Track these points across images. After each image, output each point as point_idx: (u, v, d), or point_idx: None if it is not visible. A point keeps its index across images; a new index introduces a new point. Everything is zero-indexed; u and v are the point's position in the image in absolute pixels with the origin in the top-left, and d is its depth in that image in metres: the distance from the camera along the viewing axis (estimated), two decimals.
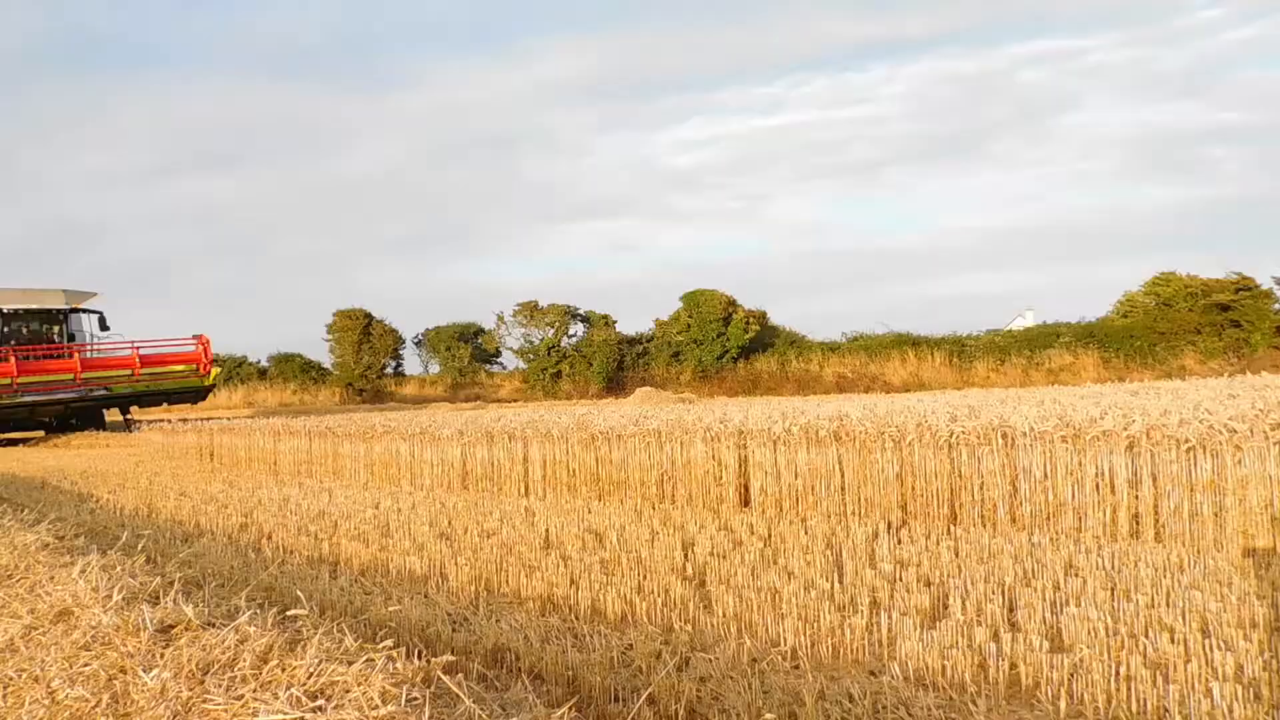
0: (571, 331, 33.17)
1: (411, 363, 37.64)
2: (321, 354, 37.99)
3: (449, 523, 6.35)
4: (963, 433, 5.43)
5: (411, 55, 69.87)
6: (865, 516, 5.71)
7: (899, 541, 4.97)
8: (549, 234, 68.46)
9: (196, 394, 21.70)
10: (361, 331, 35.49)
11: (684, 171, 65.77)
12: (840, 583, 4.08)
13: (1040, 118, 58.68)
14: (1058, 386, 17.52)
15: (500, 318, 34.04)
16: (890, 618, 3.44)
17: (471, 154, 69.22)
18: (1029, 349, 26.61)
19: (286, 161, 69.50)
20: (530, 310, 33.08)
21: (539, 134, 69.93)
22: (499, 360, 35.94)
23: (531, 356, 33.02)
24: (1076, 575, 4.03)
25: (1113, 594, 3.71)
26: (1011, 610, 3.60)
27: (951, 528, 5.28)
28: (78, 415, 21.60)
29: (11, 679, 2.39)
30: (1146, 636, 3.14)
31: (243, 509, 7.57)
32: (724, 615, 3.73)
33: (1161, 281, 27.06)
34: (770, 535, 5.34)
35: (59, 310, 21.69)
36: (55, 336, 21.73)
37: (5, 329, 21.12)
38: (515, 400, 30.41)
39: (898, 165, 62.10)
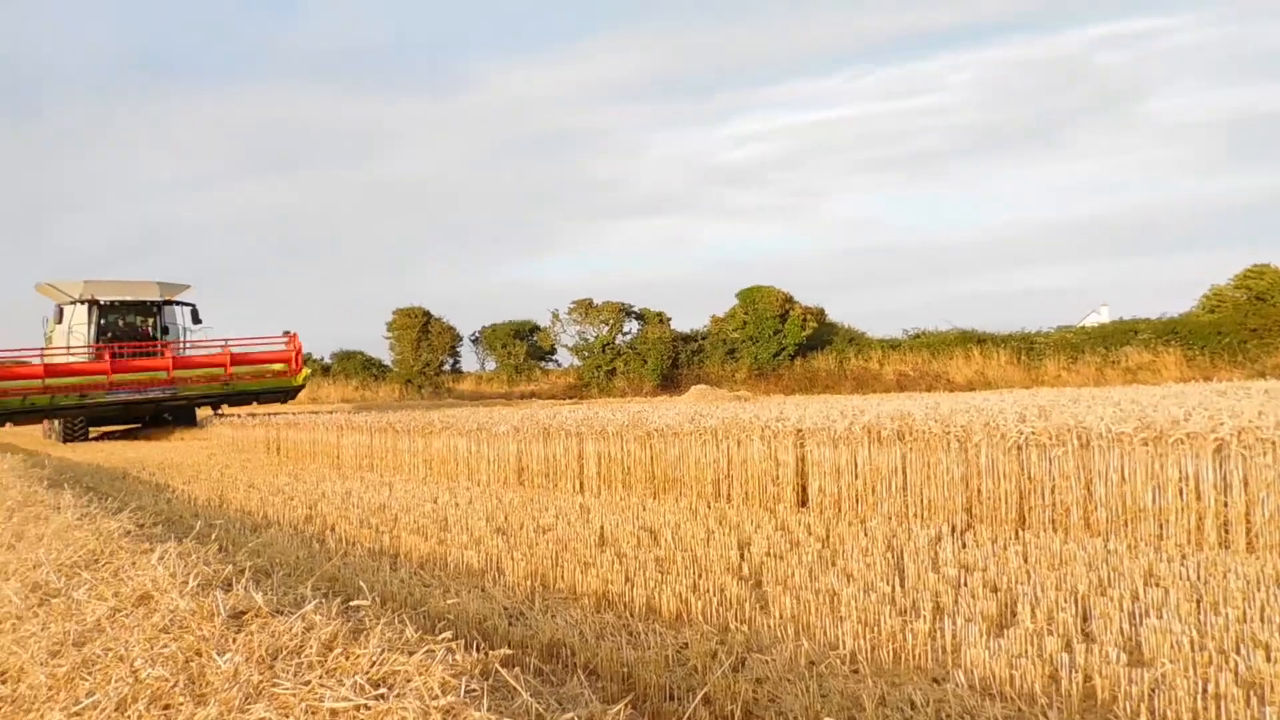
0: (626, 329, 33.24)
1: (468, 360, 38.26)
2: (382, 351, 38.82)
3: (505, 518, 6.43)
4: (1033, 433, 5.31)
5: (466, 57, 70.92)
6: (928, 519, 5.63)
7: (964, 545, 4.88)
8: (604, 231, 68.85)
9: (287, 394, 21.62)
10: (420, 329, 36.08)
11: (739, 167, 65.57)
12: (902, 586, 4.03)
13: (1118, 103, 56.85)
14: (1136, 386, 16.99)
15: (555, 315, 34.30)
16: (954, 624, 3.39)
17: (526, 153, 69.98)
18: (1104, 346, 25.75)
19: (346, 164, 71.14)
20: (585, 308, 33.24)
21: (593, 132, 70.34)
22: (554, 357, 36.20)
23: (586, 354, 33.19)
24: (1157, 585, 3.90)
25: (1198, 606, 3.56)
26: (1085, 620, 3.51)
27: (1020, 532, 5.17)
28: (171, 412, 21.91)
29: (99, 657, 2.50)
30: (1238, 653, 3.00)
31: (307, 501, 7.77)
32: (781, 616, 3.70)
33: (1255, 274, 25.61)
34: (829, 536, 5.29)
35: (153, 302, 21.94)
36: (150, 329, 22.00)
37: (102, 321, 21.35)
38: (570, 397, 30.61)
39: (962, 157, 60.94)
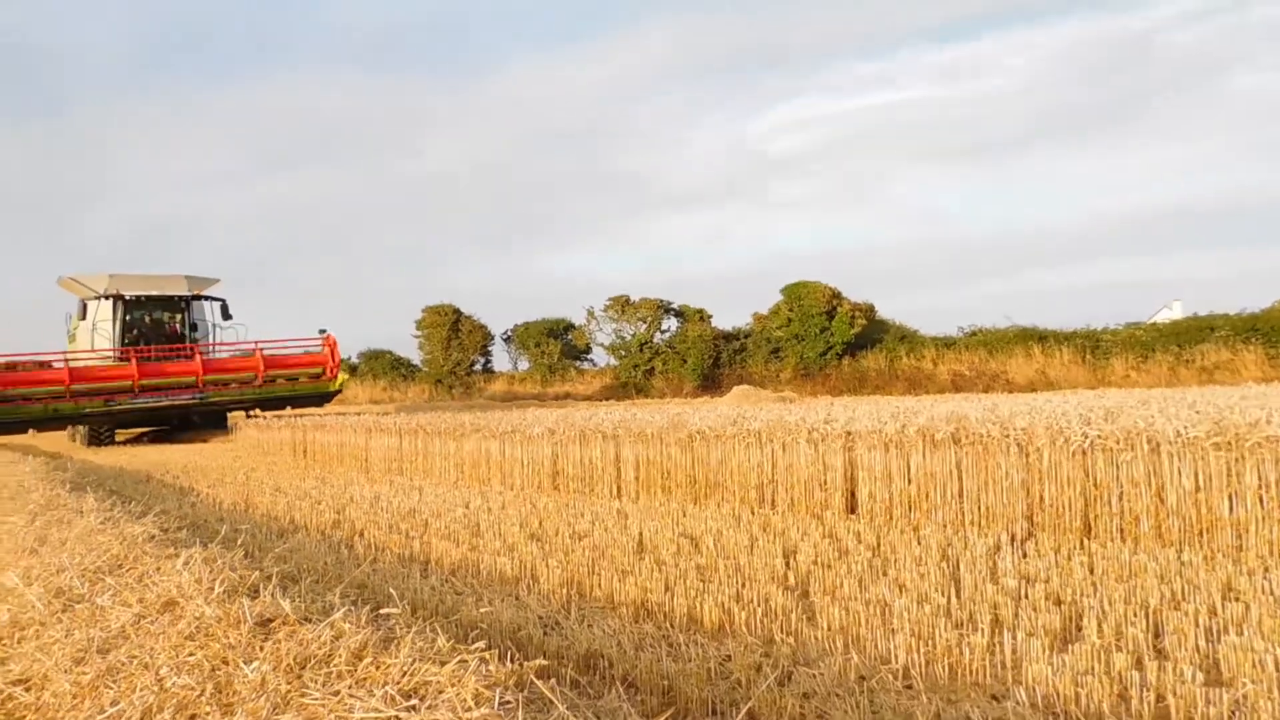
0: (665, 327, 33.26)
1: (500, 359, 38.54)
2: (411, 350, 39.25)
3: (540, 524, 6.46)
4: (1099, 437, 5.21)
5: (497, 44, 71.49)
6: (986, 527, 5.56)
7: (1024, 555, 4.82)
8: (641, 225, 68.93)
9: (322, 399, 21.50)
10: (450, 328, 36.42)
11: (785, 156, 65.23)
12: (958, 598, 3.98)
13: (1195, 84, 55.47)
14: (1212, 387, 16.57)
15: (590, 313, 34.42)
16: (1014, 638, 3.34)
17: (560, 144, 70.29)
18: (1177, 344, 25.14)
19: (372, 157, 72.05)
20: (621, 305, 33.31)
21: (630, 121, 70.48)
22: (589, 357, 36.34)
23: (623, 353, 33.25)
24: (1237, 600, 3.81)
25: None
26: (1157, 636, 3.44)
27: (1085, 541, 5.08)
28: (201, 416, 21.59)
29: (124, 664, 2.56)
30: None
31: (335, 505, 7.88)
32: (829, 628, 3.69)
33: None
34: (879, 544, 5.26)
35: (181, 298, 21.68)
36: (178, 326, 21.70)
37: (127, 317, 21.10)
38: (606, 398, 30.68)
39: (1023, 143, 60.02)
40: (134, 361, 19.14)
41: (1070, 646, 3.29)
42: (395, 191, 72.51)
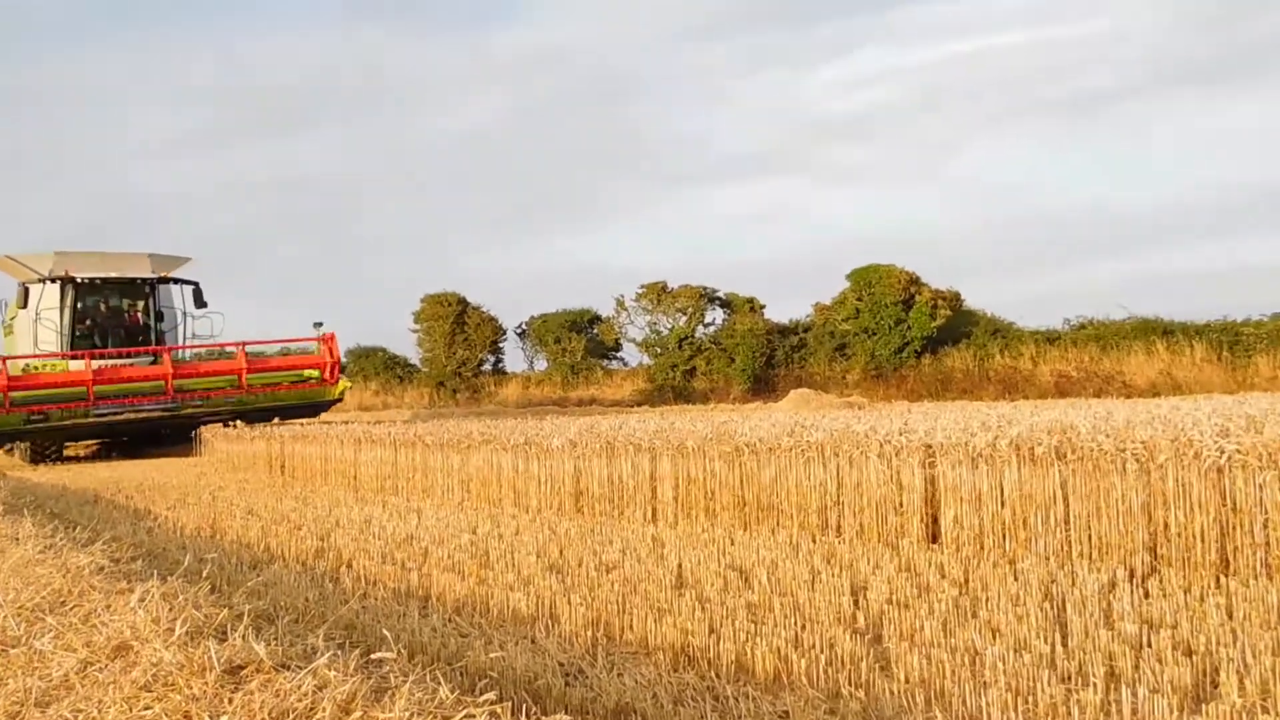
0: (708, 319, 33.26)
1: (514, 357, 38.66)
2: (408, 347, 39.58)
3: (560, 553, 6.48)
4: (1238, 451, 5.12)
5: None
6: (1098, 560, 5.49)
7: (1146, 595, 4.75)
8: (679, 200, 68.79)
9: (317, 408, 20.85)
10: (454, 320, 36.68)
11: (850, 117, 64.71)
12: (1064, 645, 3.94)
13: None
14: None
15: (620, 303, 34.50)
16: (1135, 694, 3.29)
17: (585, 105, 70.36)
18: None
19: (367, 121, 72.52)
20: (657, 293, 33.35)
21: (666, 78, 70.38)
22: (619, 354, 36.43)
23: (659, 350, 33.29)
24: None
25: None
26: None
27: (1221, 579, 5.00)
28: (171, 430, 20.62)
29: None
30: None
31: (318, 531, 7.95)
32: (906, 680, 3.67)
33: None
34: (967, 580, 5.22)
35: (145, 281, 21.07)
36: (140, 315, 21.11)
37: (80, 305, 20.48)
38: (639, 404, 30.73)
39: (1139, 97, 58.98)
40: (88, 364, 18.73)
41: (1204, 706, 3.23)
42: (392, 162, 73.14)
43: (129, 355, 20.04)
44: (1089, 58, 58.18)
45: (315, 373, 20.89)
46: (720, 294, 33.36)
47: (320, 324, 20.91)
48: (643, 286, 33.69)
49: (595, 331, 36.35)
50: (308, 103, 73.01)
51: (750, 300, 32.93)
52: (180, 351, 20.77)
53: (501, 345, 37.94)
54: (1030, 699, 3.36)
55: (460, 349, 36.77)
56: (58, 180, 70.80)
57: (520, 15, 71.70)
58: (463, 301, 37.19)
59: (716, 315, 33.34)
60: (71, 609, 3.73)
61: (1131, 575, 5.15)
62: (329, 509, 9.51)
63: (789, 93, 67.21)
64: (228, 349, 20.79)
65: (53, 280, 20.25)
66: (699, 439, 7.73)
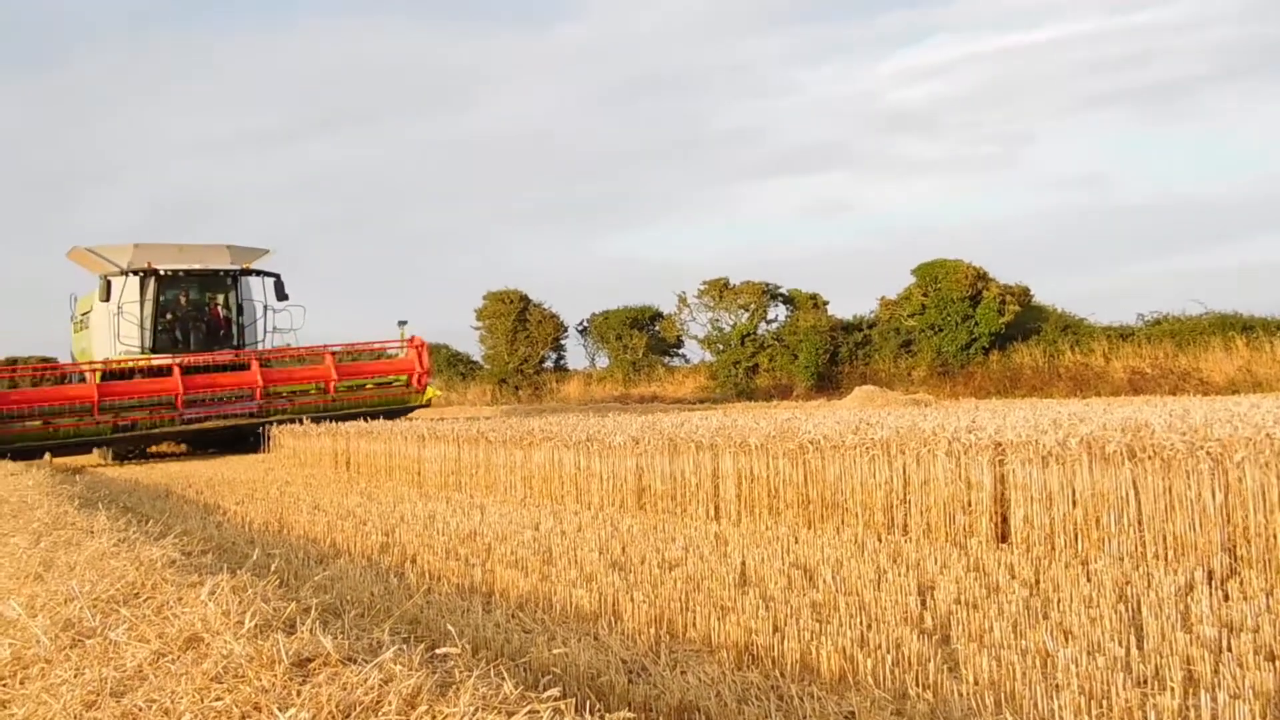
0: (771, 315, 33.06)
1: (575, 354, 38.81)
2: (470, 344, 39.92)
3: (622, 550, 6.50)
4: None
5: None
6: (1175, 561, 5.38)
7: (1225, 597, 4.64)
8: (741, 194, 68.63)
9: (405, 412, 20.07)
10: (516, 318, 36.91)
11: (917, 108, 64.05)
12: (1140, 649, 3.87)
13: None
14: None
15: (682, 299, 34.41)
16: (1215, 701, 3.21)
17: (644, 99, 70.44)
18: None
19: (426, 116, 73.47)
20: (719, 289, 33.23)
21: (727, 70, 70.18)
22: (680, 351, 36.37)
23: (721, 347, 33.18)
24: None
25: None
26: None
27: None
28: (256, 434, 19.47)
29: (141, 709, 2.65)
30: None
31: (383, 526, 8.06)
32: (975, 682, 3.63)
33: None
34: (1038, 581, 5.16)
35: (228, 272, 20.56)
36: (220, 308, 20.64)
37: (161, 298, 19.88)
38: (701, 401, 30.68)
39: (1219, 84, 57.47)
40: (177, 373, 18.38)
41: None
42: (451, 157, 73.87)
43: (219, 365, 19.47)
44: (1166, 45, 56.85)
45: (403, 377, 20.60)
46: (783, 290, 33.16)
47: (405, 322, 20.83)
48: (704, 283, 33.61)
49: (657, 328, 36.33)
50: (368, 100, 74.01)
51: (813, 296, 32.68)
52: (258, 342, 20.57)
53: (563, 342, 38.12)
54: (1104, 703, 3.30)
55: (522, 346, 36.99)
56: (116, 179, 72.52)
57: (579, 9, 72.02)
58: (524, 299, 37.40)
59: (779, 312, 33.16)
60: (145, 601, 3.82)
61: (1210, 577, 5.04)
62: (393, 505, 9.63)
63: (853, 84, 66.77)
64: (314, 352, 20.46)
65: (135, 273, 19.68)
66: (762, 436, 7.70)
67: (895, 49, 68.39)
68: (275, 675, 2.68)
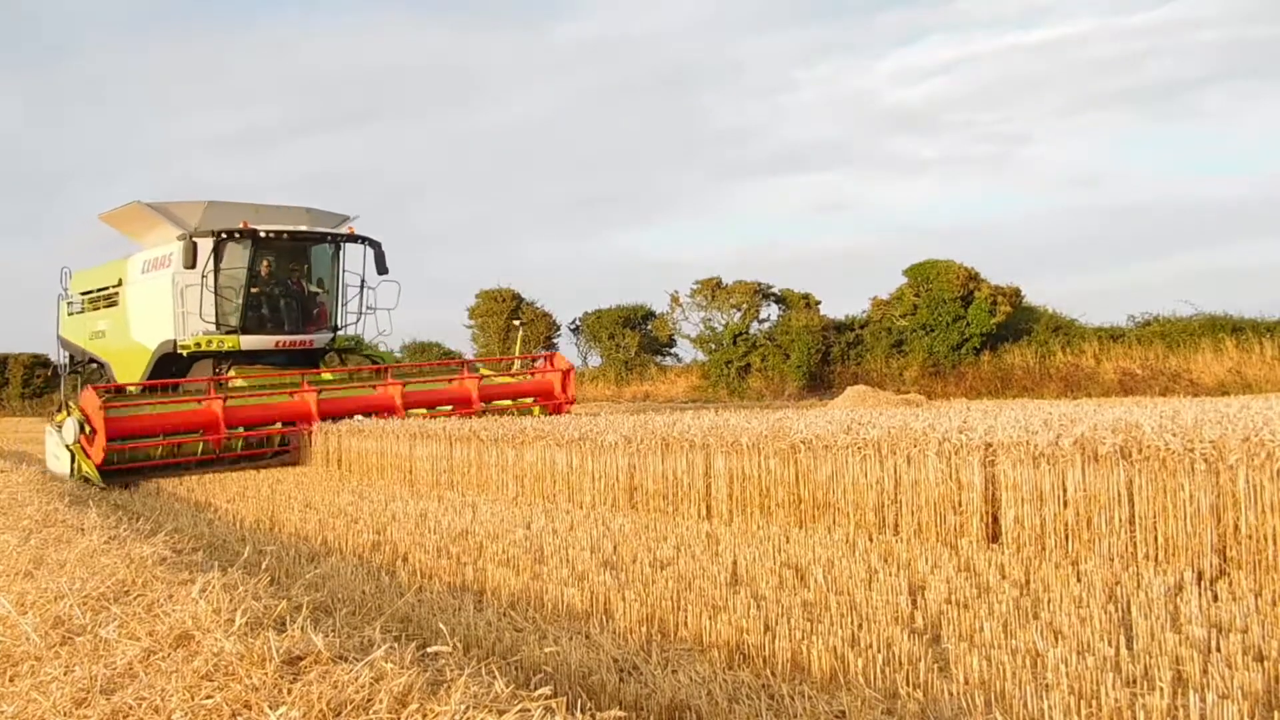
0: (763, 315, 33.12)
1: (567, 353, 38.79)
2: (463, 342, 39.91)
3: (614, 549, 6.50)
4: None
5: None
6: (1164, 562, 5.39)
7: (1215, 598, 4.65)
8: (735, 193, 68.67)
9: None
10: (509, 316, 36.90)
11: (913, 107, 64.18)
12: (1129, 649, 3.88)
13: None
14: None
15: (674, 298, 34.47)
16: (1204, 700, 3.22)
17: (640, 98, 70.49)
18: None
19: (424, 115, 73.45)
20: (711, 289, 33.27)
21: (724, 69, 70.32)
22: (673, 351, 36.44)
23: (713, 346, 33.21)
24: None
25: None
26: None
27: None
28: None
29: (131, 707, 2.64)
30: None
31: (374, 525, 8.05)
32: (966, 681, 3.64)
33: None
34: (1028, 581, 5.17)
35: (334, 237, 16.99)
36: (303, 282, 17.03)
37: (252, 267, 16.17)
38: (693, 400, 30.69)
39: (1213, 86, 57.73)
40: (308, 390, 15.01)
41: (1275, 715, 3.17)
42: (449, 156, 73.82)
43: (353, 374, 16.70)
44: (1162, 46, 56.99)
45: (538, 409, 16.57)
46: (775, 290, 33.22)
47: (519, 323, 18.63)
48: (697, 283, 33.67)
49: (649, 327, 36.37)
50: (368, 98, 73.86)
51: (806, 296, 32.73)
52: (409, 378, 17.10)
53: (555, 341, 38.12)
54: (1094, 703, 3.31)
55: (514, 344, 37.00)
56: (116, 176, 72.25)
57: (580, 7, 71.91)
58: (517, 297, 37.44)
59: (772, 311, 33.23)
60: (135, 599, 3.81)
61: (1199, 578, 5.05)
62: (385, 503, 9.62)
63: (852, 83, 66.81)
64: (447, 365, 17.94)
65: (230, 235, 15.93)
66: (754, 436, 7.70)
67: (893, 49, 68.53)
68: (266, 673, 2.68)
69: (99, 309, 18.71)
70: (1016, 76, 62.15)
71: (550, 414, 15.91)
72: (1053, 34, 61.18)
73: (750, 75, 70.37)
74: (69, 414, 13.84)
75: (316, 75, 73.90)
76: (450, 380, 17.11)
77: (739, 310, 32.97)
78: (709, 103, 70.83)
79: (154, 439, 13.94)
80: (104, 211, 17.76)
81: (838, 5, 69.19)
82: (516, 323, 18.00)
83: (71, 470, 13.54)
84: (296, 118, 75.95)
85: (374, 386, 16.05)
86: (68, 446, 13.56)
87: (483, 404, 16.12)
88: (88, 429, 13.23)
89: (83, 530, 5.86)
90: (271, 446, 15.04)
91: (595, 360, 37.50)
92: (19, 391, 48.77)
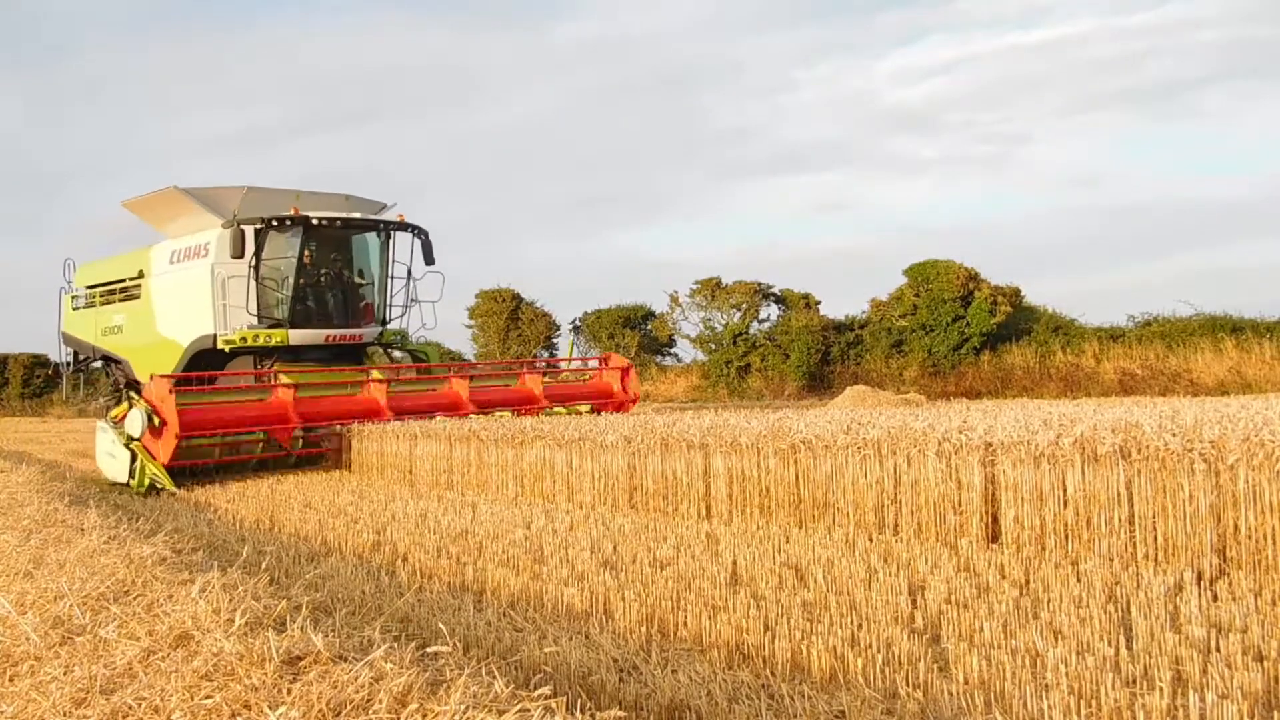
0: (763, 315, 33.12)
1: (566, 353, 38.79)
2: (462, 342, 39.88)
3: (614, 549, 6.49)
4: None
5: None
6: (1164, 562, 5.39)
7: (1214, 598, 4.65)
8: (735, 193, 68.63)
9: None
10: (509, 316, 36.93)
11: (913, 107, 64.14)
12: (1129, 649, 3.88)
13: None
14: None
15: (674, 298, 34.45)
16: (1203, 700, 3.22)
17: (639, 98, 70.45)
18: None
19: (425, 115, 73.38)
20: (711, 289, 33.27)
21: (724, 69, 70.24)
22: (673, 351, 36.44)
23: (713, 346, 33.21)
24: None
25: None
26: None
27: None
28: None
29: (131, 707, 2.64)
30: None
31: (374, 525, 8.05)
32: (965, 681, 3.64)
33: None
34: (1028, 581, 5.16)
35: (385, 225, 16.17)
36: (344, 270, 16.23)
37: (303, 255, 15.26)
38: (693, 400, 30.68)
39: (1213, 86, 57.63)
40: (377, 383, 14.34)
41: (1275, 714, 3.17)
42: (448, 156, 73.79)
43: (426, 370, 16.25)
44: (1162, 46, 56.96)
45: (585, 409, 15.82)
46: (775, 290, 33.22)
47: (577, 326, 17.50)
48: (697, 283, 33.67)
49: (648, 328, 36.36)
50: (368, 98, 73.86)
51: (805, 296, 32.73)
52: (474, 372, 16.91)
53: (555, 341, 38.11)
54: (1093, 702, 3.31)
55: (514, 344, 36.98)
56: (116, 176, 72.23)
57: (580, 7, 71.92)
58: (517, 297, 37.42)
59: (771, 311, 33.23)
60: (135, 599, 3.81)
61: (1199, 578, 5.05)
62: (385, 503, 9.61)
63: (851, 83, 66.81)
64: (510, 368, 17.50)
65: (280, 223, 15.09)
66: (753, 436, 7.70)
67: (892, 49, 68.47)
68: (265, 673, 2.68)
69: (113, 303, 17.82)
70: (1016, 76, 62.12)
71: (613, 413, 15.10)
72: (1053, 34, 61.13)
73: (750, 75, 70.38)
74: (131, 405, 12.37)
75: (316, 75, 73.90)
76: (514, 377, 16.55)
77: (739, 310, 32.97)
78: (709, 103, 70.84)
79: (215, 438, 12.86)
80: (129, 199, 16.91)
81: (838, 5, 69.21)
82: (569, 328, 17.33)
83: (131, 472, 12.23)
84: (296, 118, 75.97)
85: (432, 388, 15.35)
86: (128, 445, 12.22)
87: (547, 404, 15.54)
88: (156, 420, 12.02)
89: (82, 530, 5.86)
90: (323, 446, 14.06)
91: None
92: (19, 391, 48.73)
